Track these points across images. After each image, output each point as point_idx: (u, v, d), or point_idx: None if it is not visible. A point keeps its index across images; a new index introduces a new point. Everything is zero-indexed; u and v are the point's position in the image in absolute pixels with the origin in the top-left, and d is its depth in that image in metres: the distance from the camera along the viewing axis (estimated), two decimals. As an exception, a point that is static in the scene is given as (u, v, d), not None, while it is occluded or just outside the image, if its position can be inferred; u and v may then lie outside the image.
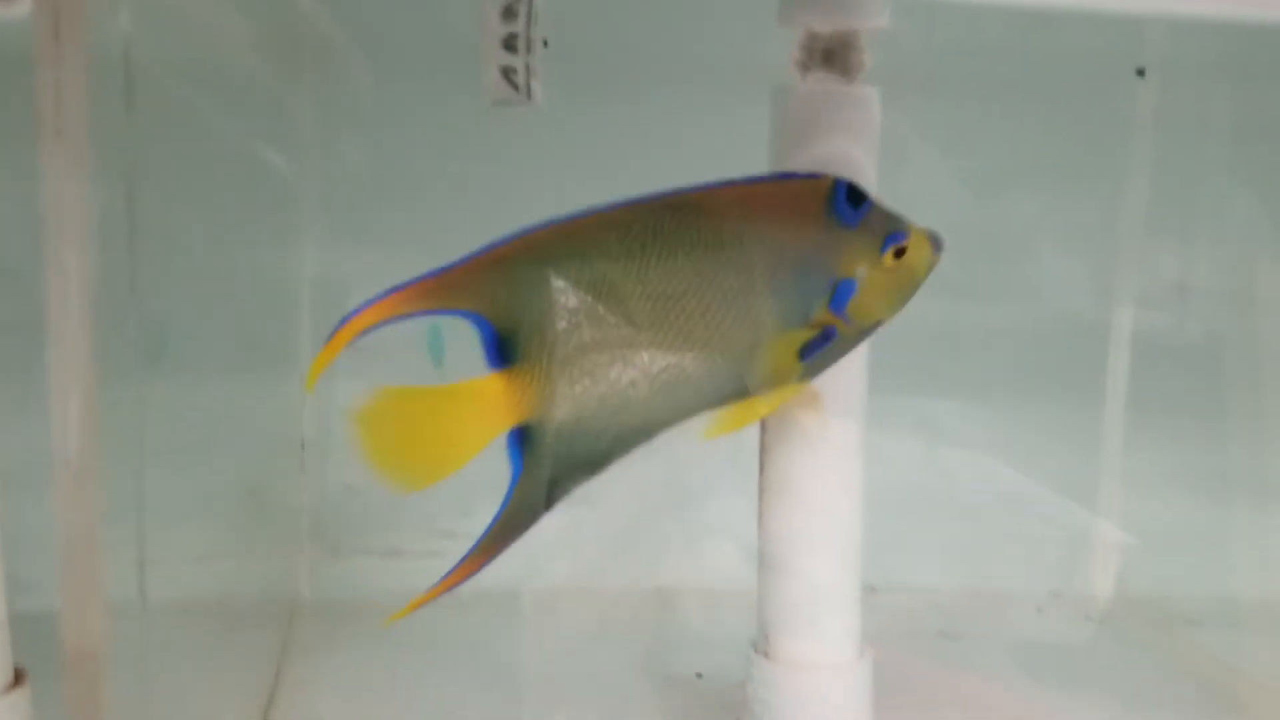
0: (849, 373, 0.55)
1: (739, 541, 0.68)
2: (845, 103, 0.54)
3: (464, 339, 0.81)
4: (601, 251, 0.46)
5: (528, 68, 0.58)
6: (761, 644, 0.57)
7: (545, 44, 0.70)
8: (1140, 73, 0.79)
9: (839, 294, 0.47)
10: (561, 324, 0.45)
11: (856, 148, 0.54)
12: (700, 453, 0.57)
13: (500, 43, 0.58)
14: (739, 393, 0.48)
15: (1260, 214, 0.82)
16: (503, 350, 0.46)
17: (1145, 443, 0.87)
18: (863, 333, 0.49)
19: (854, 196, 0.47)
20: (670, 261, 0.45)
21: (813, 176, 0.48)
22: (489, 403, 0.46)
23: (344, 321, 0.44)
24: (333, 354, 0.44)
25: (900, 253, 0.47)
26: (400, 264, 0.80)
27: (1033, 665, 0.76)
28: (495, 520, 0.50)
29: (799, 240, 0.47)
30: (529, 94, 0.58)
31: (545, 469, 0.48)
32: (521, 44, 0.58)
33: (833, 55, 0.54)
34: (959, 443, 0.87)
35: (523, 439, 0.47)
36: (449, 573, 0.51)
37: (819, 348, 0.48)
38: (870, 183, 0.52)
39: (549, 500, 0.49)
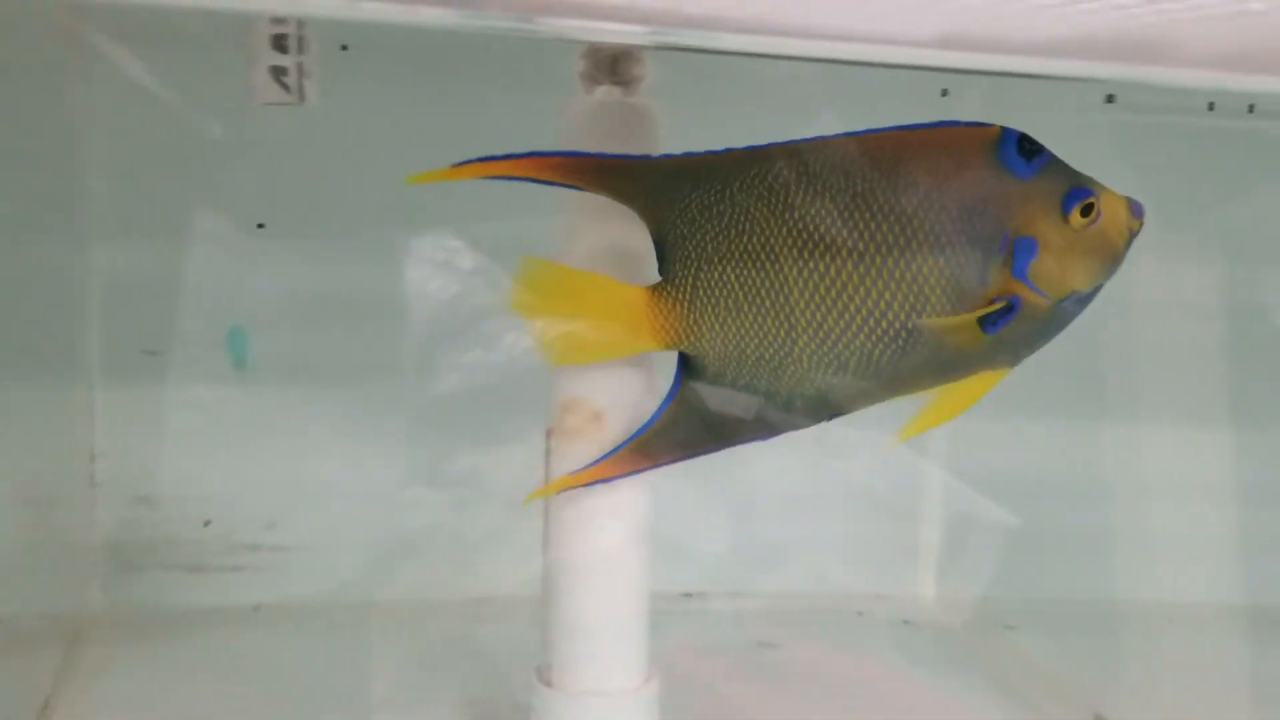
0: (634, 392, 0.54)
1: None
2: (628, 114, 0.52)
3: (262, 341, 0.79)
4: (743, 184, 0.44)
5: (300, 68, 0.55)
6: (544, 671, 0.55)
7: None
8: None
9: (1018, 254, 0.43)
10: (698, 249, 0.44)
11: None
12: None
13: (269, 41, 0.54)
14: (924, 372, 0.44)
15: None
16: (660, 264, 0.46)
17: (971, 446, 0.88)
18: (1060, 308, 0.44)
19: (1026, 146, 0.42)
20: (817, 203, 0.43)
21: (977, 125, 0.43)
22: (637, 313, 0.46)
23: (484, 159, 0.44)
24: (456, 176, 0.44)
25: (1087, 211, 0.42)
26: (198, 261, 0.77)
27: (842, 671, 0.76)
28: (641, 431, 0.49)
29: (964, 190, 0.42)
30: (301, 96, 0.55)
31: (701, 404, 0.47)
32: (293, 43, 0.55)
33: (617, 67, 0.52)
34: (779, 446, 0.86)
35: (683, 365, 0.47)
36: (594, 463, 0.50)
37: (1004, 320, 0.43)
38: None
39: (717, 441, 0.48)
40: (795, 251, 0.43)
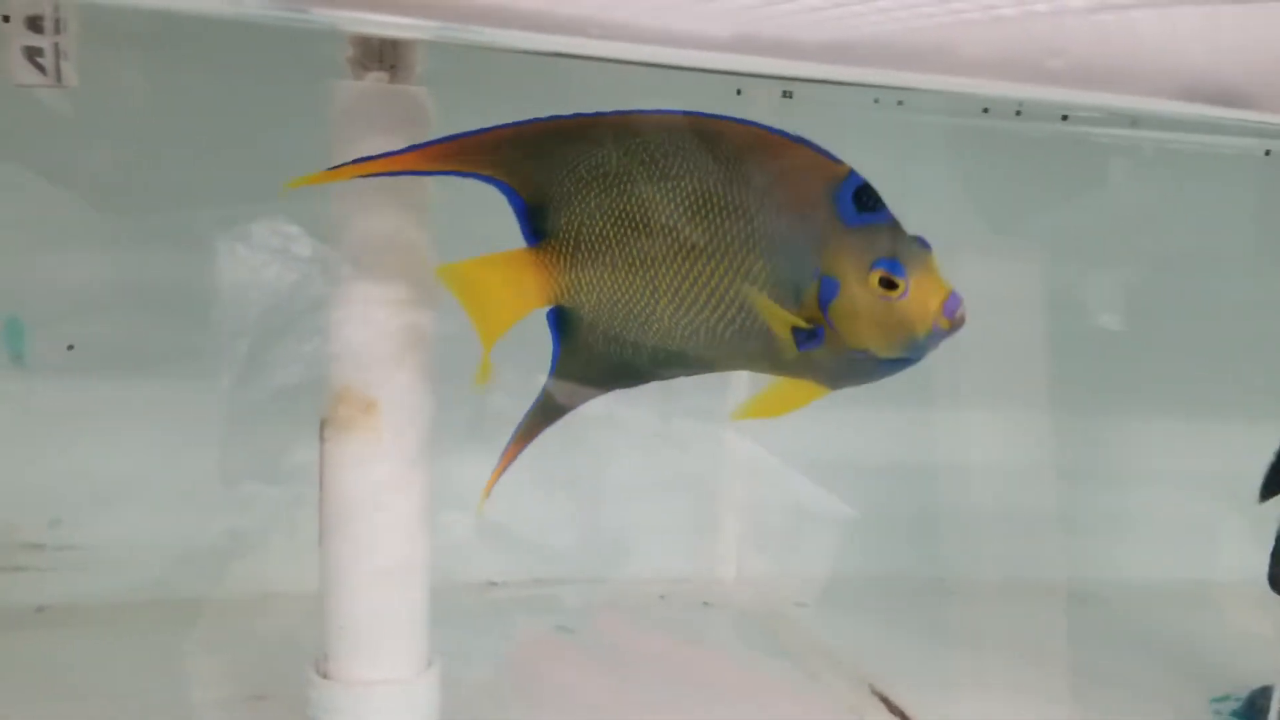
0: (409, 381, 0.54)
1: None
2: (398, 101, 0.52)
3: (40, 330, 0.76)
4: (624, 149, 0.45)
5: (57, 48, 0.53)
6: (321, 663, 0.55)
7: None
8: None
9: (824, 290, 0.44)
10: (583, 207, 0.46)
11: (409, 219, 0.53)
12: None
13: (25, 22, 0.53)
14: (759, 357, 0.46)
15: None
16: (534, 226, 0.48)
17: (799, 433, 0.91)
18: (856, 357, 0.45)
19: (864, 199, 0.43)
20: (685, 179, 0.45)
21: (831, 159, 0.44)
22: (523, 274, 0.48)
23: (362, 160, 0.46)
24: (335, 178, 0.46)
25: (887, 284, 0.43)
26: None
27: (638, 654, 0.78)
28: (537, 402, 0.51)
29: (794, 211, 0.44)
30: (59, 77, 0.53)
31: (579, 360, 0.49)
32: (49, 23, 0.53)
33: (386, 54, 0.52)
34: (614, 437, 0.87)
35: (559, 322, 0.49)
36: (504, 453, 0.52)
37: (809, 343, 0.45)
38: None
39: (597, 390, 0.51)
40: (663, 218, 0.45)
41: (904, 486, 0.90)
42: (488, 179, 0.48)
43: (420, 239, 0.54)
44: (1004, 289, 0.86)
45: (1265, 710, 0.49)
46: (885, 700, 0.70)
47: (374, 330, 0.54)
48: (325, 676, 0.55)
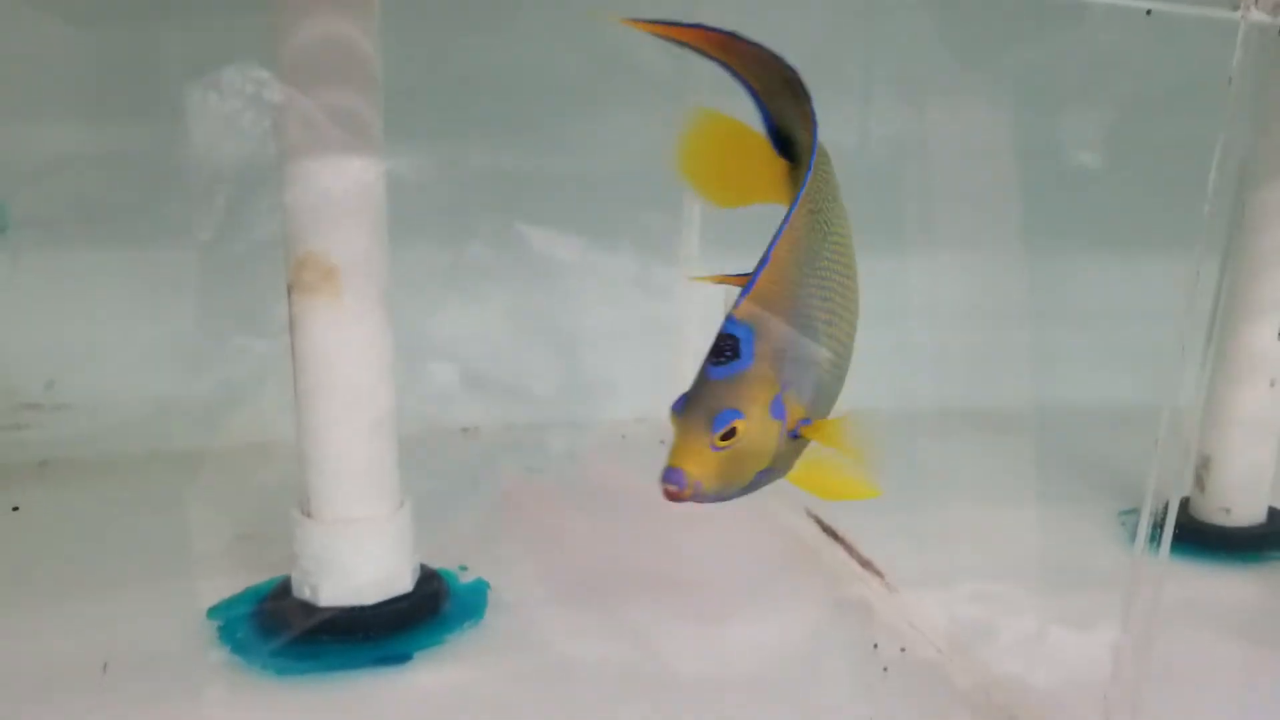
0: (366, 244, 0.59)
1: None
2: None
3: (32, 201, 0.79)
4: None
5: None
6: (304, 505, 0.61)
7: None
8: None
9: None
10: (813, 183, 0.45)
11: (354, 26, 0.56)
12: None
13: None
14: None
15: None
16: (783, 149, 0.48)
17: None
18: None
19: (722, 349, 0.41)
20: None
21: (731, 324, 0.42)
22: (779, 175, 0.48)
23: (656, 21, 0.45)
24: (641, 27, 0.45)
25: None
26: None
27: (600, 484, 0.85)
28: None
29: None
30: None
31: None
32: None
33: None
34: (561, 274, 0.92)
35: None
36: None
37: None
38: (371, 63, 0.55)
39: None
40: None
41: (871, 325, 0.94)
42: (749, 90, 0.47)
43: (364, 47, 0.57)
44: (974, 133, 0.90)
45: (1159, 524, 0.55)
46: (818, 521, 0.77)
47: (328, 195, 0.58)
48: (308, 516, 0.61)
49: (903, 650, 0.62)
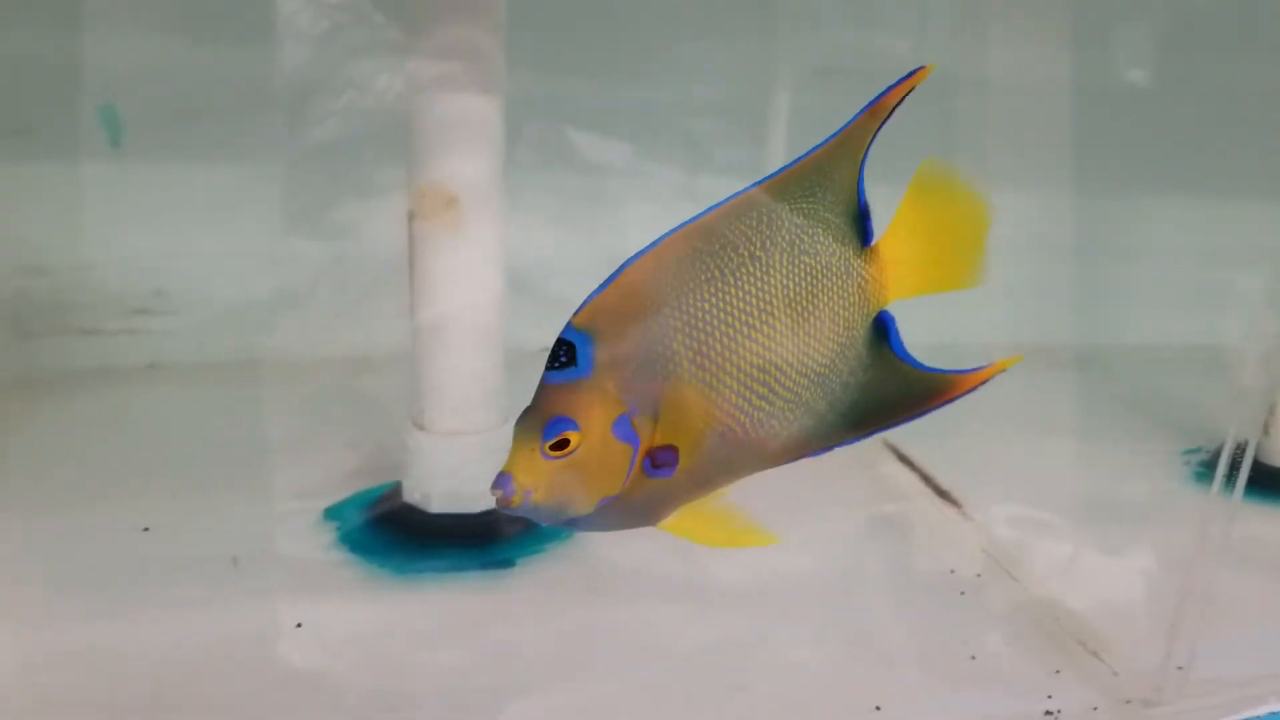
0: (486, 171, 0.62)
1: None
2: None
3: (135, 120, 0.83)
4: None
5: None
6: (417, 418, 0.65)
7: None
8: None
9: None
10: None
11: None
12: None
13: None
14: None
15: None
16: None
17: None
18: None
19: (557, 354, 0.40)
20: None
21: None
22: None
23: None
24: None
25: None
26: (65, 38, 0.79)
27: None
28: None
29: None
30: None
31: None
32: None
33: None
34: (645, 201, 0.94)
35: None
36: None
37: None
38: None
39: None
40: None
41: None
42: None
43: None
44: (1028, 70, 0.91)
45: (1236, 464, 0.58)
46: (894, 449, 0.81)
47: (450, 126, 0.61)
48: (421, 428, 0.65)
49: (978, 576, 0.65)
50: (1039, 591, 0.65)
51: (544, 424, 0.39)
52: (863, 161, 0.44)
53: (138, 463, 0.74)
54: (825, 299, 0.44)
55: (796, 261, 0.43)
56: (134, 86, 0.82)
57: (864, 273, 0.44)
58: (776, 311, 0.43)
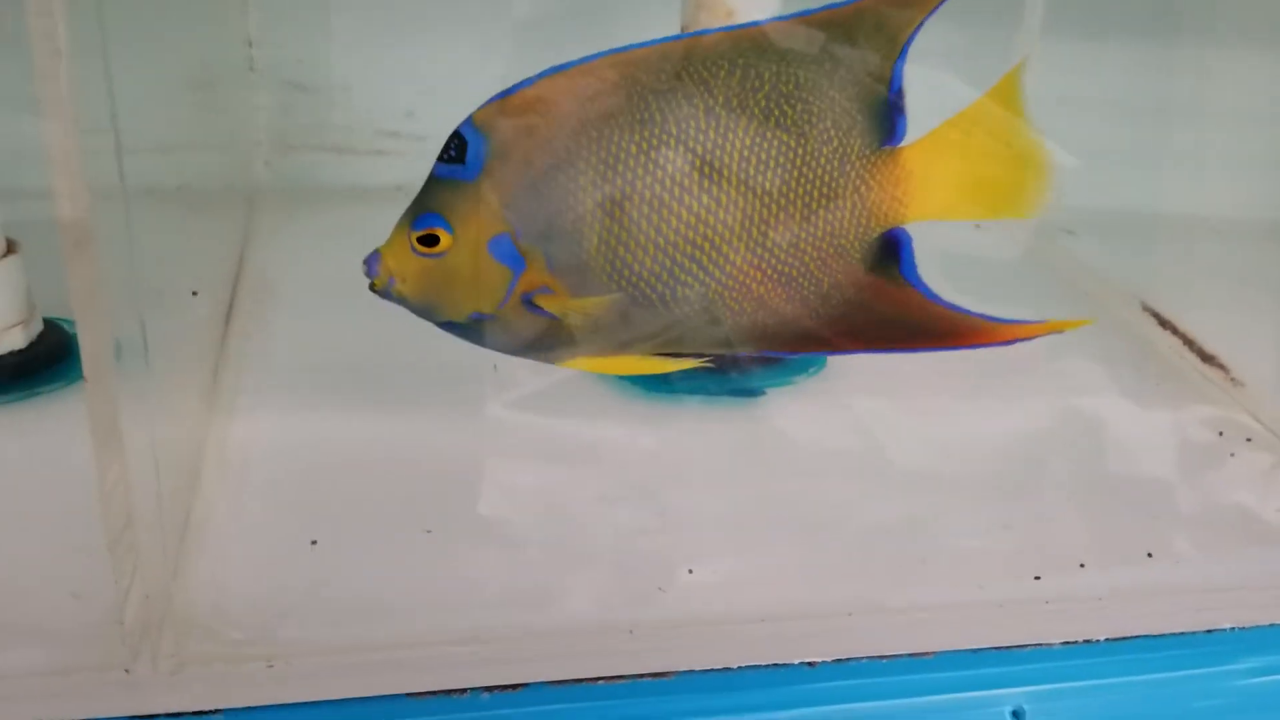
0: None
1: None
2: None
3: None
4: None
5: None
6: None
7: None
8: None
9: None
10: None
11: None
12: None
13: None
14: None
15: None
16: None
17: (1054, 64, 0.92)
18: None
19: (448, 147, 0.40)
20: None
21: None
22: None
23: None
24: None
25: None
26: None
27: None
28: None
29: None
30: None
31: None
32: None
33: None
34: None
35: None
36: None
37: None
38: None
39: None
40: None
41: (1137, 121, 0.90)
42: None
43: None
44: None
45: None
46: (1154, 314, 0.76)
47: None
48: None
49: (1249, 440, 0.62)
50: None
51: (415, 216, 0.39)
52: (909, 39, 0.36)
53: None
54: (804, 192, 0.37)
55: (770, 136, 0.36)
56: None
57: (869, 177, 0.37)
58: (726, 185, 0.36)
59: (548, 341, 0.40)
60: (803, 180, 0.37)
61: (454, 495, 0.54)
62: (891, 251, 0.39)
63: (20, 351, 0.60)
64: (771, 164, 0.36)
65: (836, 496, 0.55)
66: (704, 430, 0.61)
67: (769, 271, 0.38)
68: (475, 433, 0.59)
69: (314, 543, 0.49)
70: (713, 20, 0.59)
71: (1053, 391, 0.66)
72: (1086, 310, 0.80)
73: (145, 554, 0.42)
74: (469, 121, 0.38)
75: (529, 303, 0.39)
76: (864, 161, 0.37)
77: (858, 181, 0.37)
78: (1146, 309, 0.77)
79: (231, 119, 0.86)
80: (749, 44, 0.36)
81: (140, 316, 0.44)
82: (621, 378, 0.63)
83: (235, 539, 0.49)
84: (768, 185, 0.36)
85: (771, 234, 0.37)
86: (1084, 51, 0.90)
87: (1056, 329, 0.39)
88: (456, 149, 0.38)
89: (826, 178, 0.37)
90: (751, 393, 0.64)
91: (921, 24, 0.37)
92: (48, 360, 0.60)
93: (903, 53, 0.37)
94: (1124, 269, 0.84)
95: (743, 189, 0.37)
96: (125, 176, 0.43)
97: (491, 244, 0.38)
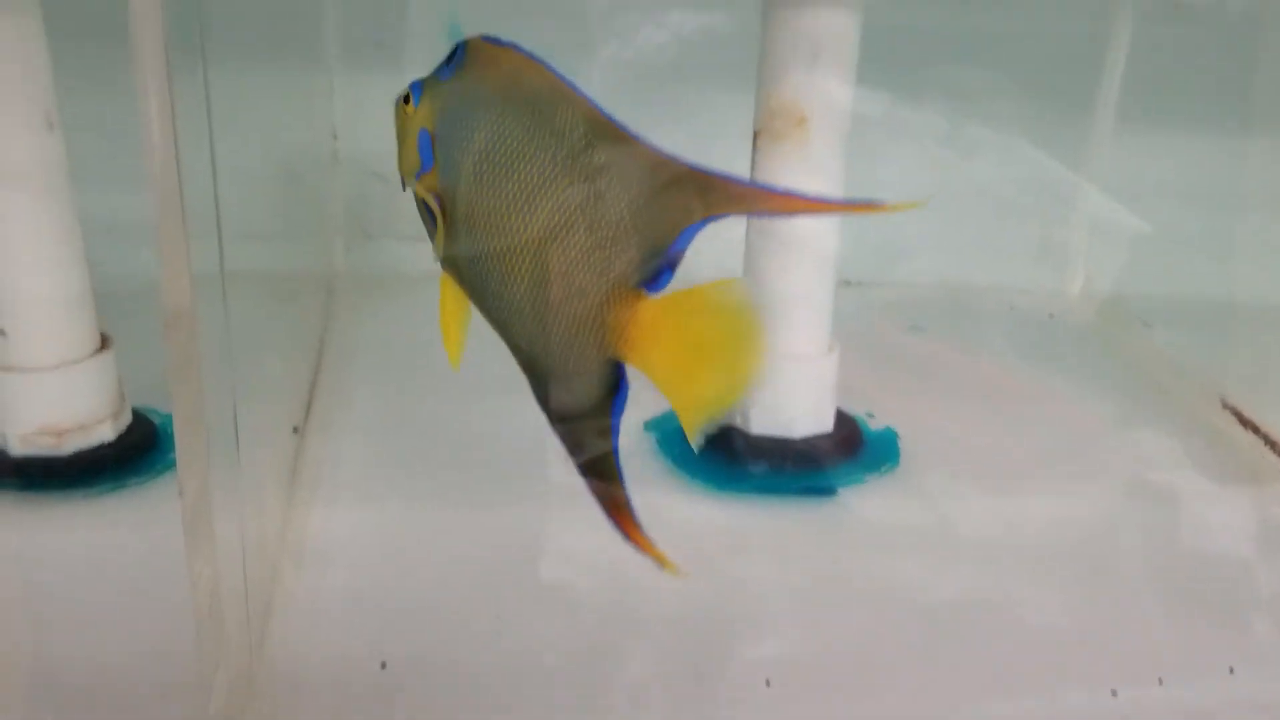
0: (837, 91, 0.61)
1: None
2: None
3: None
4: None
5: None
6: (744, 336, 0.66)
7: None
8: None
9: None
10: None
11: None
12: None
13: None
14: None
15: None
16: None
17: (1130, 151, 0.92)
18: None
19: (451, 53, 0.44)
20: None
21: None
22: None
23: None
24: None
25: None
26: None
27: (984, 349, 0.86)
28: None
29: None
30: None
31: None
32: None
33: None
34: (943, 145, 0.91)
35: None
36: None
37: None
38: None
39: None
40: None
41: (1210, 209, 0.90)
42: None
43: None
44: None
45: None
46: (1236, 412, 0.75)
47: (804, 45, 0.60)
48: (748, 348, 0.65)
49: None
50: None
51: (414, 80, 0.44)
52: (706, 221, 0.39)
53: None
54: (569, 275, 0.40)
55: (571, 221, 0.40)
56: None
57: (610, 309, 0.39)
58: (532, 232, 0.40)
59: (431, 235, 0.46)
60: (573, 266, 0.40)
61: (527, 599, 0.54)
62: (611, 386, 0.42)
63: (109, 444, 0.61)
64: (562, 242, 0.40)
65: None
66: (776, 529, 0.61)
67: (530, 306, 0.42)
68: (556, 531, 0.59)
69: (383, 665, 0.49)
70: (787, 125, 0.61)
71: (1136, 494, 0.66)
72: (1167, 409, 0.78)
73: (231, 645, 0.42)
74: (468, 42, 0.43)
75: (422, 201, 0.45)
76: (613, 291, 0.40)
77: (599, 307, 0.41)
78: (1227, 406, 0.76)
79: (316, 207, 0.88)
80: (606, 134, 0.40)
81: (234, 408, 0.45)
82: (693, 478, 0.63)
83: (309, 658, 0.50)
84: (553, 255, 0.41)
85: (545, 291, 0.42)
86: (1158, 141, 0.91)
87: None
88: (449, 57, 0.43)
89: (583, 279, 0.41)
90: (824, 491, 0.64)
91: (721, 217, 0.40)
92: (135, 451, 0.62)
93: (703, 223, 0.40)
94: (1203, 363, 0.83)
95: (537, 244, 0.41)
96: (225, 267, 0.44)
97: (421, 131, 0.44)
